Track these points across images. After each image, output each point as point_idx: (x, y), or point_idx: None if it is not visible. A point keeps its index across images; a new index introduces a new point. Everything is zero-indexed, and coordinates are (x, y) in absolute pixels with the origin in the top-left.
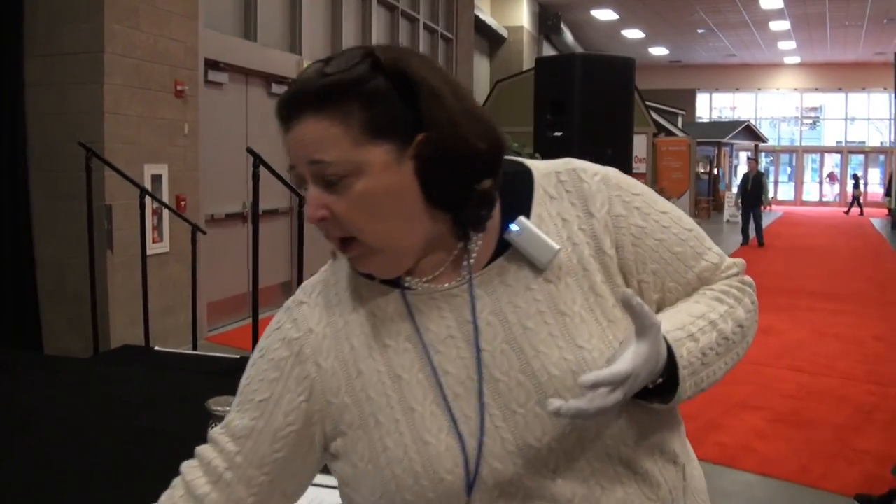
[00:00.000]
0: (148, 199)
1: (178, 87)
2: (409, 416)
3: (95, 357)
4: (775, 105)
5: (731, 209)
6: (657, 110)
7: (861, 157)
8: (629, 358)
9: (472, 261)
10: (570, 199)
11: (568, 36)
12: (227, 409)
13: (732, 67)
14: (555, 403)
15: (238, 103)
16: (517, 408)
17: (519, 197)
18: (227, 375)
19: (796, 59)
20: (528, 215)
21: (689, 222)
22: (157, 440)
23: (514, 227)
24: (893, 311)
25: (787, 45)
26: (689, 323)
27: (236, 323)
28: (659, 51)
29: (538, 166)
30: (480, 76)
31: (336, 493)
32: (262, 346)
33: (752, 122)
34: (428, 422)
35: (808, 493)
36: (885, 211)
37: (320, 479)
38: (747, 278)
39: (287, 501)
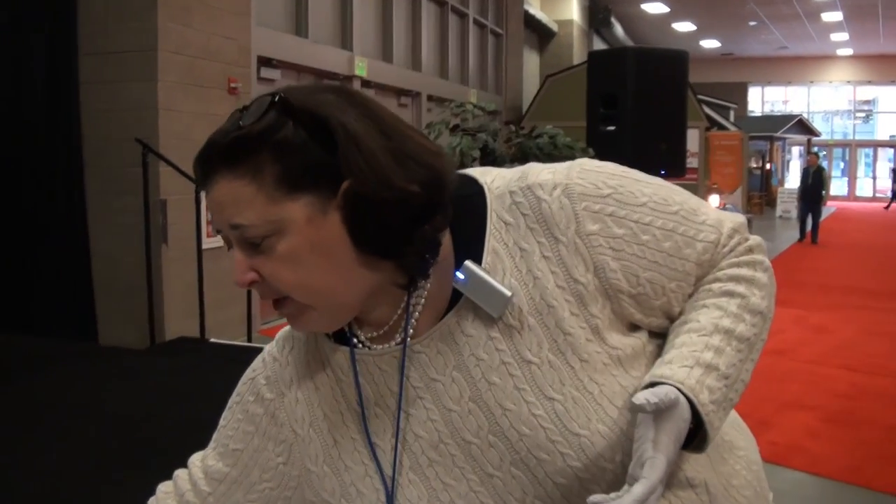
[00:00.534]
0: (203, 194)
1: (231, 85)
2: (389, 486)
3: (152, 348)
4: (828, 98)
5: (785, 205)
6: (709, 104)
7: None
8: (661, 459)
9: (416, 314)
10: (528, 223)
11: (618, 29)
12: None
13: (784, 60)
14: (595, 499)
15: None
16: (493, 471)
17: (471, 228)
18: None
19: (849, 51)
20: (481, 250)
21: (674, 201)
22: (210, 430)
23: (459, 274)
24: None
25: (839, 36)
26: (702, 349)
27: None
28: (710, 43)
29: (493, 185)
30: (530, 71)
31: None
32: (239, 390)
33: (805, 115)
34: (407, 491)
35: (859, 493)
36: None
37: None
38: (753, 240)
39: None
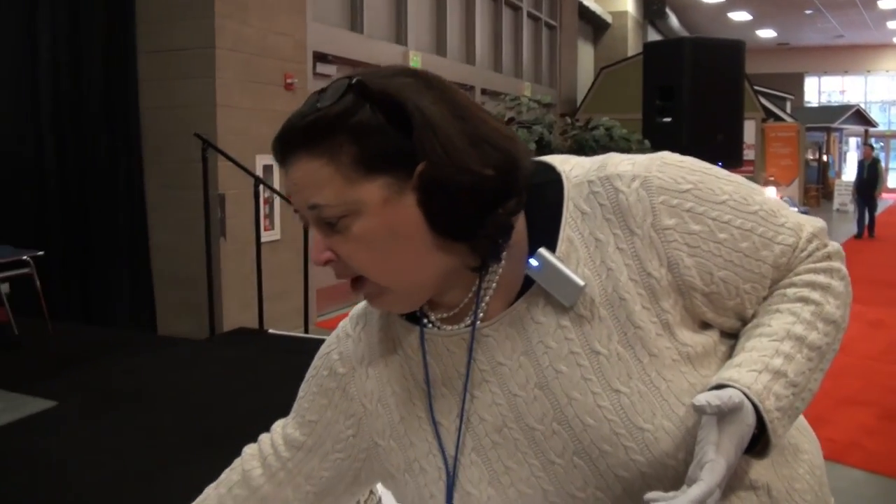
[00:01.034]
0: (261, 188)
1: (288, 80)
2: (451, 465)
3: (212, 338)
4: (885, 88)
5: (842, 197)
6: (765, 95)
7: None
8: (721, 463)
9: (487, 298)
10: (605, 213)
11: (673, 20)
12: None
13: (841, 49)
14: (651, 496)
15: None
16: (555, 458)
17: (547, 216)
18: None
19: None
20: (556, 238)
21: (754, 200)
22: (271, 418)
23: (532, 261)
24: None
25: None
26: (772, 354)
27: (343, 309)
28: (766, 33)
29: (571, 174)
30: (584, 63)
31: None
32: (315, 364)
33: (862, 106)
34: (468, 471)
35: None
36: None
37: None
38: (832, 247)
39: None
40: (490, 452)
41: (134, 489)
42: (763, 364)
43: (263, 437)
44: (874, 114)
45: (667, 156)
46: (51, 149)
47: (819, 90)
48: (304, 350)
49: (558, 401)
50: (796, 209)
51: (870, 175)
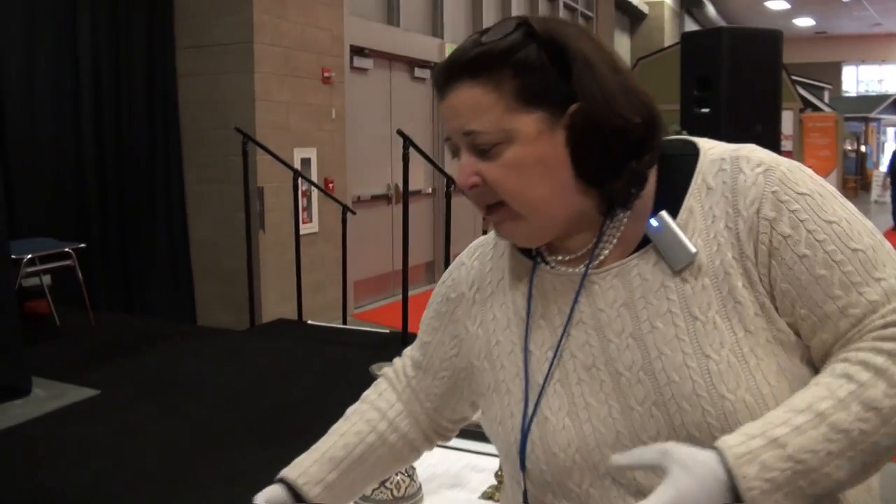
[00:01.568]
0: (299, 181)
1: (325, 74)
2: (535, 391)
3: (252, 329)
4: None
5: (879, 188)
6: (803, 85)
7: None
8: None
9: (605, 250)
10: (724, 191)
11: (710, 9)
12: None
13: (879, 38)
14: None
15: (382, 88)
16: (635, 405)
17: (675, 184)
18: (377, 347)
19: None
20: (679, 206)
21: (863, 241)
22: (310, 406)
23: (653, 222)
24: None
25: None
26: (778, 424)
27: (380, 301)
28: (803, 22)
29: (711, 151)
30: (621, 53)
31: (486, 458)
32: (436, 290)
33: None
34: (550, 399)
35: None
36: None
37: (472, 445)
38: None
39: (454, 425)
40: (574, 387)
41: (175, 476)
42: (761, 430)
43: (396, 360)
44: None
45: (802, 165)
46: (92, 143)
47: (857, 79)
48: (342, 341)
49: (649, 353)
50: None
51: None
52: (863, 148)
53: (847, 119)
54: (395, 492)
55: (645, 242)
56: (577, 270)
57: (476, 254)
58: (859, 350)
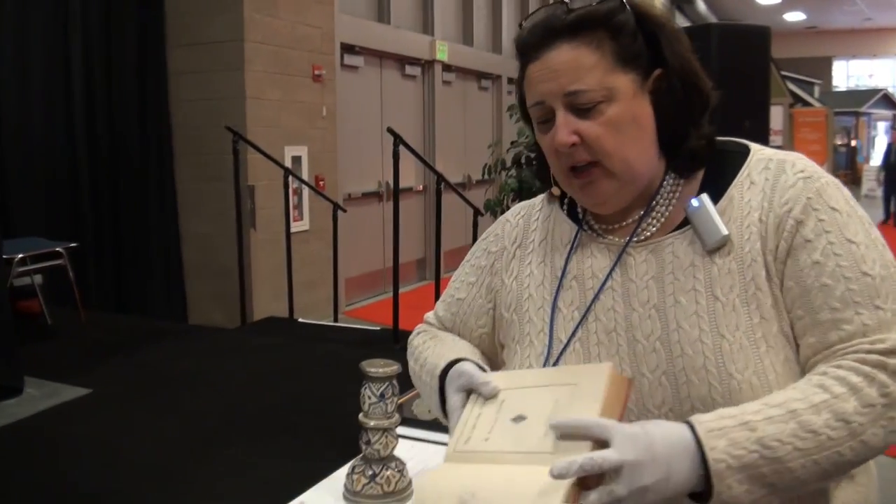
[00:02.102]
0: (290, 179)
1: (316, 72)
2: (557, 347)
3: (243, 327)
4: None
5: (870, 183)
6: (793, 80)
7: None
8: (614, 457)
9: (651, 229)
10: (765, 187)
11: (700, 4)
12: (380, 371)
13: (869, 32)
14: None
15: (373, 85)
16: (647, 372)
17: (723, 175)
18: (369, 345)
19: None
20: (722, 194)
21: (874, 267)
22: (303, 402)
23: (694, 201)
24: None
25: None
26: (753, 411)
27: (371, 298)
28: (794, 16)
29: (761, 152)
30: None
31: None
32: (474, 248)
33: (890, 89)
34: (569, 356)
35: None
36: None
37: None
38: (893, 363)
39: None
40: (592, 348)
41: (168, 473)
42: (734, 414)
43: (427, 314)
44: None
45: (842, 185)
46: (84, 142)
47: (847, 74)
48: (333, 338)
49: (668, 325)
50: None
51: None
52: (853, 142)
53: (837, 114)
54: (385, 487)
55: (683, 225)
56: (618, 240)
57: (521, 213)
58: (839, 367)
